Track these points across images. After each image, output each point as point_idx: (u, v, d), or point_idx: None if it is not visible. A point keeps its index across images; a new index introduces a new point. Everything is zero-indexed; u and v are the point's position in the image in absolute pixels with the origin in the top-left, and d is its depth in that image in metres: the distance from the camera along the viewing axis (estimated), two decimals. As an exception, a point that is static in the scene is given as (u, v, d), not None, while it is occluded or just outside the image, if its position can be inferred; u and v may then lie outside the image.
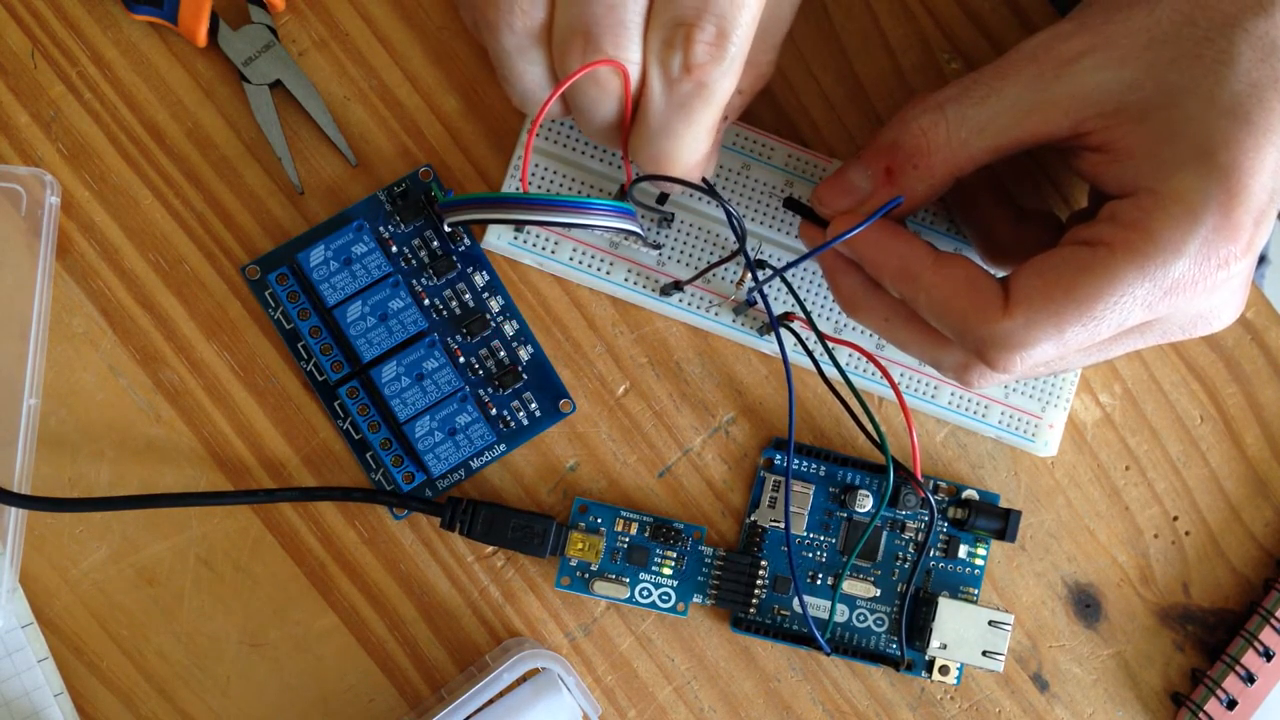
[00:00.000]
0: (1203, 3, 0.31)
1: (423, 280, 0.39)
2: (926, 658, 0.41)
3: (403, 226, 0.39)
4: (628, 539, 0.40)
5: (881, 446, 0.37)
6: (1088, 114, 0.32)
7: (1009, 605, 0.42)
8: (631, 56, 0.32)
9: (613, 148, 0.36)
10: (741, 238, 0.36)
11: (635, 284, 0.40)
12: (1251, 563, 0.43)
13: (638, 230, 0.37)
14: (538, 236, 0.40)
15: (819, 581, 0.41)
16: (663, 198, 0.40)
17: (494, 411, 0.40)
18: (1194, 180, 0.30)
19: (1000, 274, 0.34)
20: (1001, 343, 0.32)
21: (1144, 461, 0.43)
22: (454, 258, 0.39)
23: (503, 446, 0.40)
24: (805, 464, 0.41)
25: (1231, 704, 0.41)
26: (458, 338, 0.40)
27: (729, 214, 0.35)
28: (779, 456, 0.41)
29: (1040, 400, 0.41)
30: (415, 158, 0.40)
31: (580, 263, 0.40)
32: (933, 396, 0.41)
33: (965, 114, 0.33)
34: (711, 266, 0.39)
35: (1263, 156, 0.30)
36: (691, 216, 0.40)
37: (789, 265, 0.36)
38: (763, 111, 0.41)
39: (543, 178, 0.40)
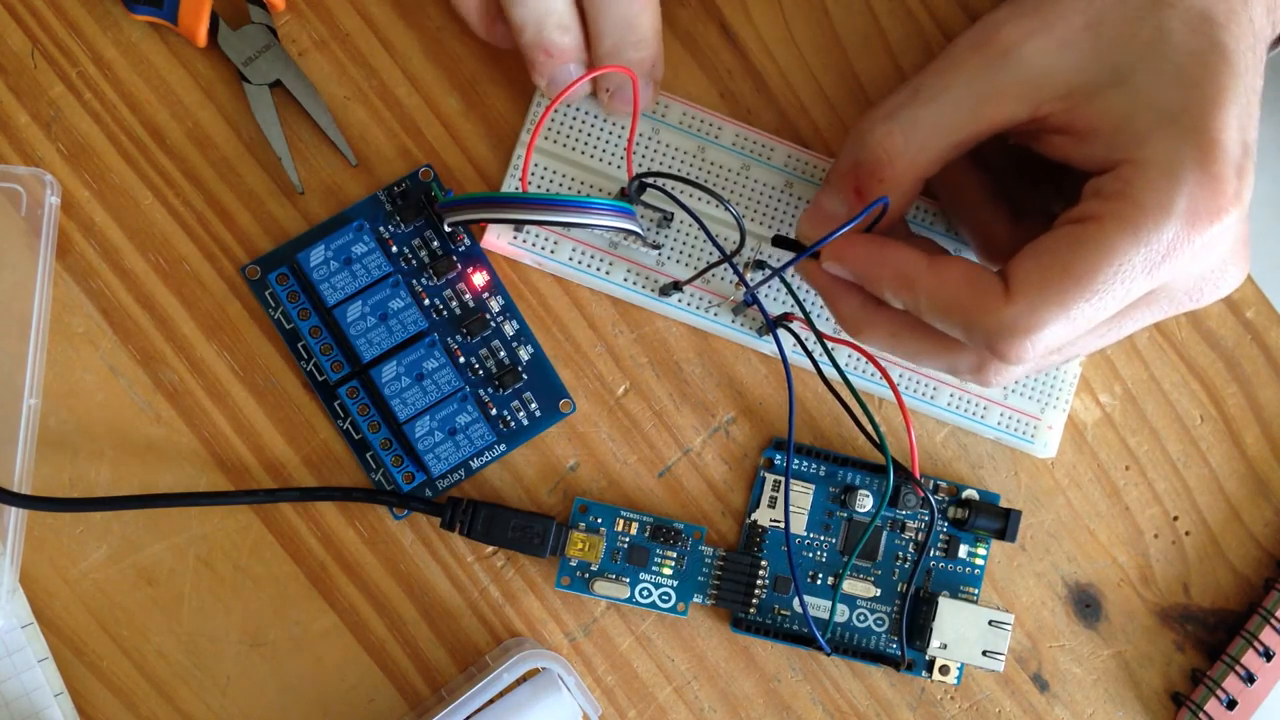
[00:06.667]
0: None
1: (423, 280, 0.39)
2: (927, 657, 0.41)
3: (403, 226, 0.39)
4: (628, 539, 0.40)
5: (881, 447, 0.37)
6: (1041, 98, 0.32)
7: (1009, 605, 0.42)
8: None
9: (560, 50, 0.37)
10: (741, 230, 0.36)
11: (635, 284, 0.40)
12: (1251, 563, 0.43)
13: (637, 230, 0.37)
14: (537, 236, 0.40)
15: (819, 581, 0.41)
16: (641, 188, 0.39)
17: (494, 411, 0.40)
18: (1166, 143, 0.30)
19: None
20: (1009, 330, 0.32)
21: (1144, 461, 0.43)
22: (454, 257, 0.39)
23: (503, 446, 0.40)
24: (805, 464, 0.41)
25: (1231, 704, 0.41)
26: (458, 338, 0.40)
27: (675, 199, 0.35)
28: (779, 456, 0.41)
29: (1039, 401, 0.41)
30: (415, 158, 0.40)
31: (580, 263, 0.40)
32: (931, 398, 0.41)
33: (917, 116, 0.33)
34: (710, 267, 0.39)
35: (1224, 114, 0.30)
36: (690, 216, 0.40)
37: (786, 265, 0.36)
38: (763, 111, 0.41)
39: (542, 177, 0.40)
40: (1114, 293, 0.31)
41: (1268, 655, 0.41)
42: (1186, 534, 0.43)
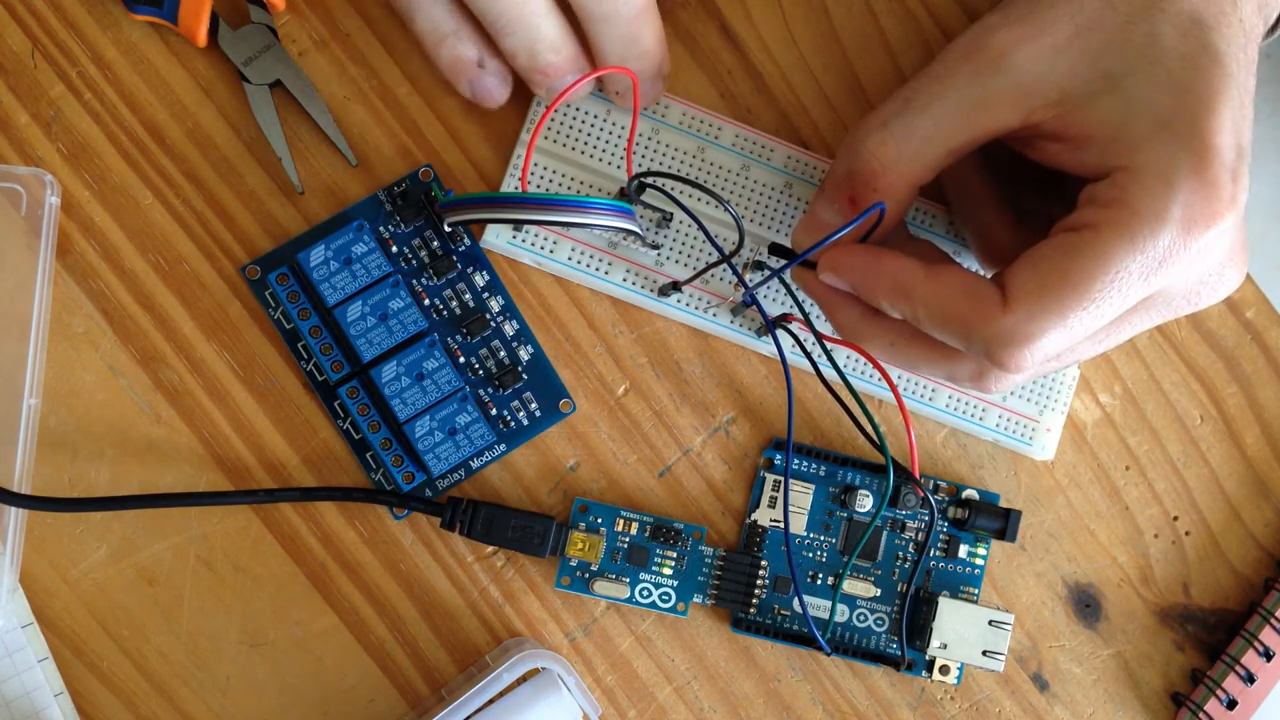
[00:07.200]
0: None
1: (423, 280, 0.39)
2: (927, 657, 0.41)
3: (403, 226, 0.39)
4: (628, 539, 0.40)
5: (880, 447, 0.37)
6: (1033, 105, 0.32)
7: (1009, 605, 0.42)
8: None
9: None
10: (740, 231, 0.36)
11: (634, 284, 0.40)
12: (1251, 563, 0.43)
13: (637, 230, 0.37)
14: (536, 236, 0.40)
15: (819, 581, 0.41)
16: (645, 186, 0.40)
17: (494, 411, 0.40)
18: (1161, 149, 0.30)
19: None
20: (1007, 340, 0.32)
21: (1144, 461, 0.43)
22: (454, 257, 0.39)
23: (503, 446, 0.40)
24: (805, 464, 0.41)
25: (1231, 704, 0.41)
26: (458, 338, 0.40)
27: (674, 199, 0.35)
28: (779, 456, 0.41)
29: (1038, 404, 0.41)
30: (415, 158, 0.40)
31: (579, 262, 0.40)
32: (930, 399, 0.41)
33: (910, 125, 0.33)
34: (709, 267, 0.39)
35: (1217, 117, 0.30)
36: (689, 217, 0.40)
37: (784, 266, 0.36)
38: (763, 111, 0.41)
39: (542, 177, 0.40)
40: (1111, 300, 0.31)
41: (1268, 655, 0.41)
42: (1186, 534, 0.43)
